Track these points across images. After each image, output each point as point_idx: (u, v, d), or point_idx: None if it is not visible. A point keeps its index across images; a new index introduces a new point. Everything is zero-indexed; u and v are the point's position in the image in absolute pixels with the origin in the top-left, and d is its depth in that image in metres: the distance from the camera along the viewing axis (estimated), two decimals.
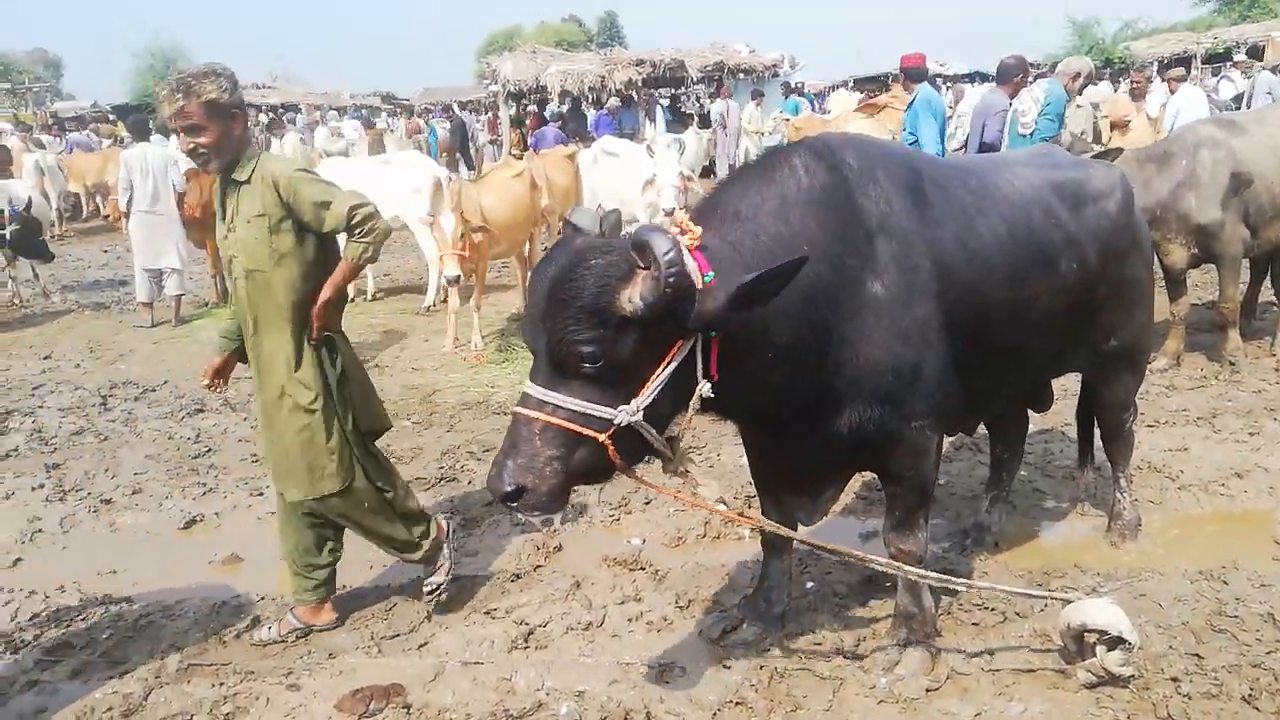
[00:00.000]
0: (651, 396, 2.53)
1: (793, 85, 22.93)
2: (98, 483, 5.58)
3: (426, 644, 3.71)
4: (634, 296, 2.41)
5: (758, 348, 2.67)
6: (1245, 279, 7.19)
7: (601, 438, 2.51)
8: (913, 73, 8.06)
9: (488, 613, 3.90)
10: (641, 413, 2.52)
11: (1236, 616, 3.59)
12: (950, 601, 3.78)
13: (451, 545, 4.00)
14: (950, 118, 9.91)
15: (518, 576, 4.22)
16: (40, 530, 4.99)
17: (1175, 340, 6.59)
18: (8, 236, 9.67)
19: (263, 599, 4.15)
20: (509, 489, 2.51)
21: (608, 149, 10.72)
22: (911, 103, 7.81)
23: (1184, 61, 27.74)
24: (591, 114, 20.40)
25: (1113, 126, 8.66)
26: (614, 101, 20.69)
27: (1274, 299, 7.16)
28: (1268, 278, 7.30)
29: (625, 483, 4.83)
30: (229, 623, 3.97)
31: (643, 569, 4.22)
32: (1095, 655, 3.13)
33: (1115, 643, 3.07)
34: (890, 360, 2.88)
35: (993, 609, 3.71)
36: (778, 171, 2.90)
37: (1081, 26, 37.11)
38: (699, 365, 2.59)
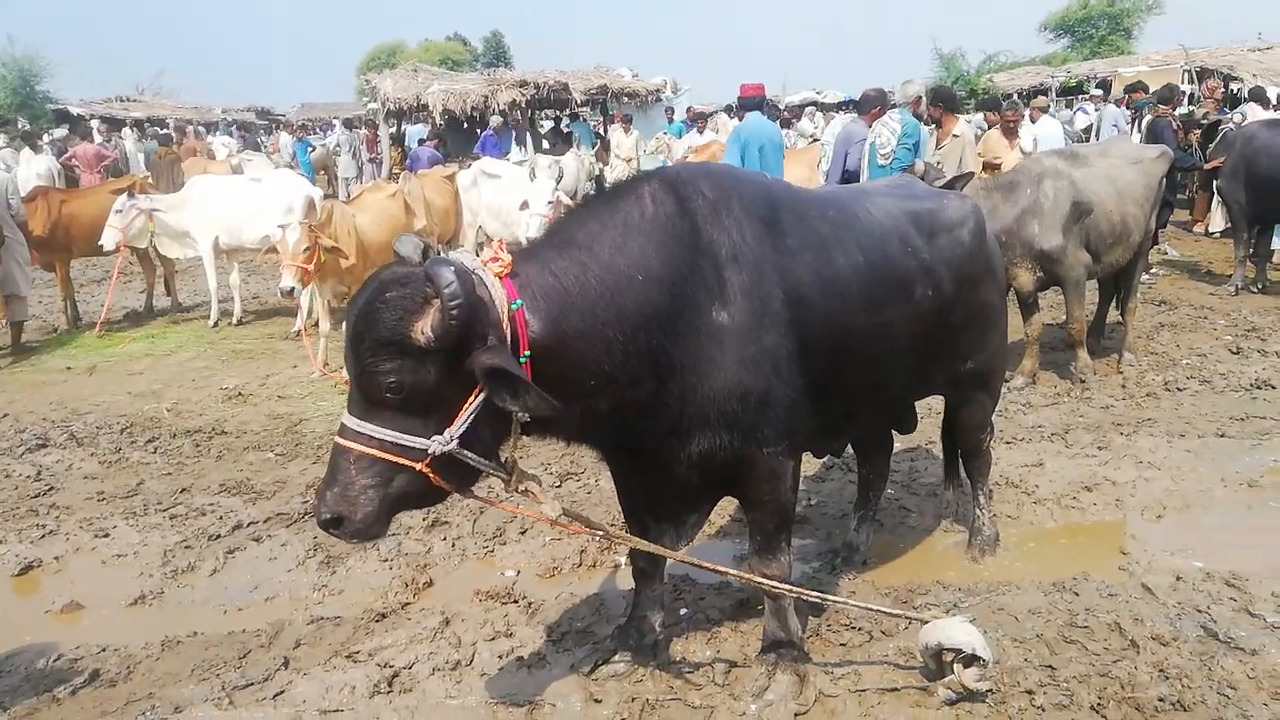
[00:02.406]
0: (464, 425, 2.56)
1: (677, 109, 23.24)
2: None
3: (282, 693, 3.51)
4: (425, 328, 2.45)
5: (573, 376, 2.69)
6: (1096, 300, 7.63)
7: (418, 466, 2.56)
8: (743, 102, 8.38)
9: (349, 655, 3.73)
10: (457, 440, 2.55)
11: (1086, 627, 3.74)
12: (818, 622, 3.82)
13: None
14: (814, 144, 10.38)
15: (384, 615, 4.05)
16: None
17: (1030, 359, 6.91)
18: None
19: (104, 650, 3.86)
20: (326, 517, 2.58)
21: (488, 170, 10.61)
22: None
23: (1041, 93, 29.42)
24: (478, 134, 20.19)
25: (986, 168, 8.88)
26: (496, 119, 20.52)
27: (1120, 318, 7.59)
28: (1115, 299, 7.73)
29: (499, 512, 4.77)
30: (64, 677, 3.67)
31: (515, 602, 4.12)
32: (953, 672, 3.21)
33: (971, 660, 3.15)
34: (738, 388, 2.91)
35: (859, 629, 3.77)
36: (624, 200, 2.92)
37: (947, 59, 38.93)
38: None
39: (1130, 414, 6.31)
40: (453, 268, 2.45)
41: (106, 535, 4.98)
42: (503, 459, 2.75)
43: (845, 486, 5.31)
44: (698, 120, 16.95)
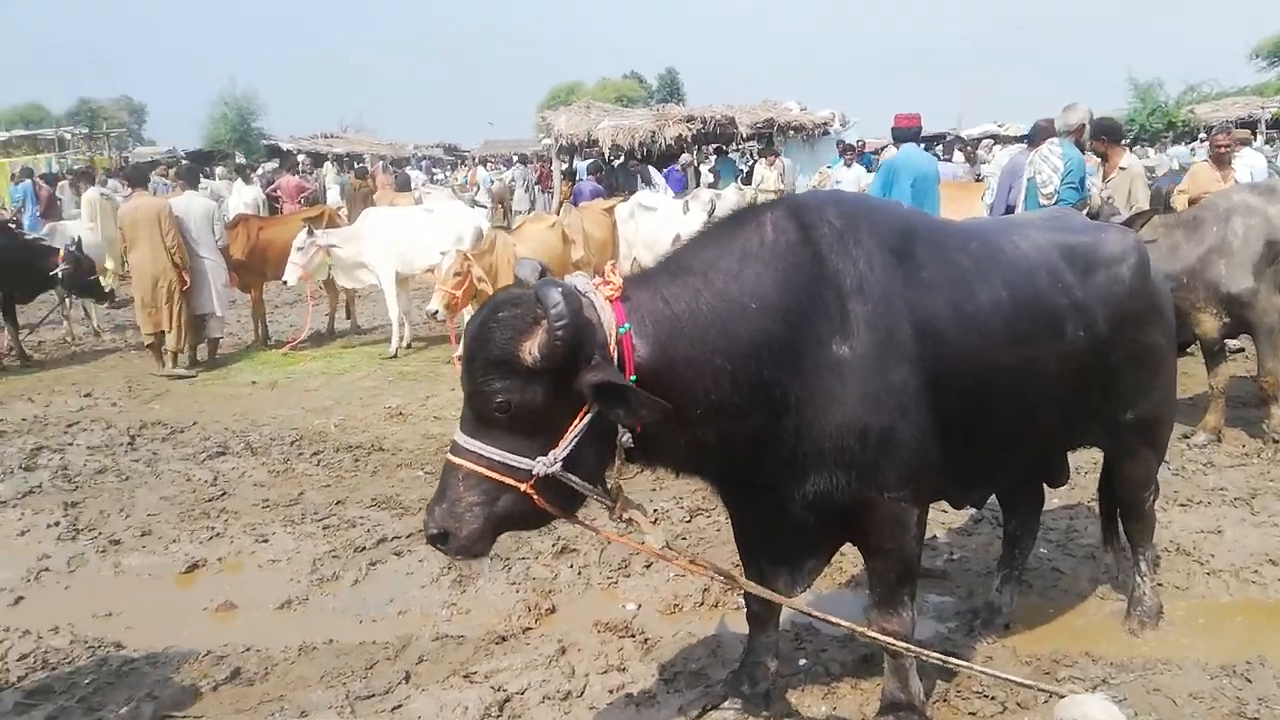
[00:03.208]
0: (569, 448, 2.57)
1: (849, 143, 22.93)
2: (110, 523, 5.63)
3: (400, 707, 3.62)
4: (533, 349, 2.47)
5: (679, 404, 2.61)
6: None
7: (523, 487, 2.57)
8: (897, 133, 8.06)
9: (467, 676, 3.80)
10: (560, 463, 2.55)
11: (1257, 718, 3.34)
12: (947, 687, 3.59)
13: None
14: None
15: (504, 639, 4.11)
16: (47, 569, 5.04)
17: (1215, 414, 6.31)
18: (59, 275, 9.98)
19: (248, 650, 4.10)
20: (433, 531, 2.64)
21: (645, 203, 10.77)
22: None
23: (1249, 126, 27.16)
24: (649, 169, 20.55)
25: (1192, 203, 7.98)
26: (686, 157, 20.90)
27: None
28: None
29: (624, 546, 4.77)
30: (210, 673, 3.92)
31: (633, 636, 4.09)
32: None
33: None
34: (857, 425, 2.78)
35: (992, 698, 3.51)
36: (745, 227, 2.87)
37: (1143, 89, 36.58)
38: None
39: None
40: (560, 289, 2.47)
41: (265, 540, 5.32)
42: (608, 486, 2.73)
43: (992, 542, 4.98)
44: (846, 153, 16.38)
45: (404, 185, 19.70)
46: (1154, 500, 4.02)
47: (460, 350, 2.75)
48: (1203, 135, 22.53)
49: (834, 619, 3.08)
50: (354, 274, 9.98)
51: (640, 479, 5.77)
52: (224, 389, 8.91)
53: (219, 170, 23.92)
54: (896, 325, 2.84)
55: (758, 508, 3.09)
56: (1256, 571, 4.52)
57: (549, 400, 2.54)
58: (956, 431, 3.03)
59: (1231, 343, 7.49)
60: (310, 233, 9.50)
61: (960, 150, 20.70)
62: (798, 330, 2.76)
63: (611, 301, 2.65)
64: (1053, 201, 6.39)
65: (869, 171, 14.71)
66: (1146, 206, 6.40)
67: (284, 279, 9.73)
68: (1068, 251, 3.37)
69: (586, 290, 2.65)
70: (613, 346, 2.58)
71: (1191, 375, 7.40)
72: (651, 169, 19.51)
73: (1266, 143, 22.19)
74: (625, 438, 2.62)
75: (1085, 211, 5.76)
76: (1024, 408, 3.25)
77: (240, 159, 34.26)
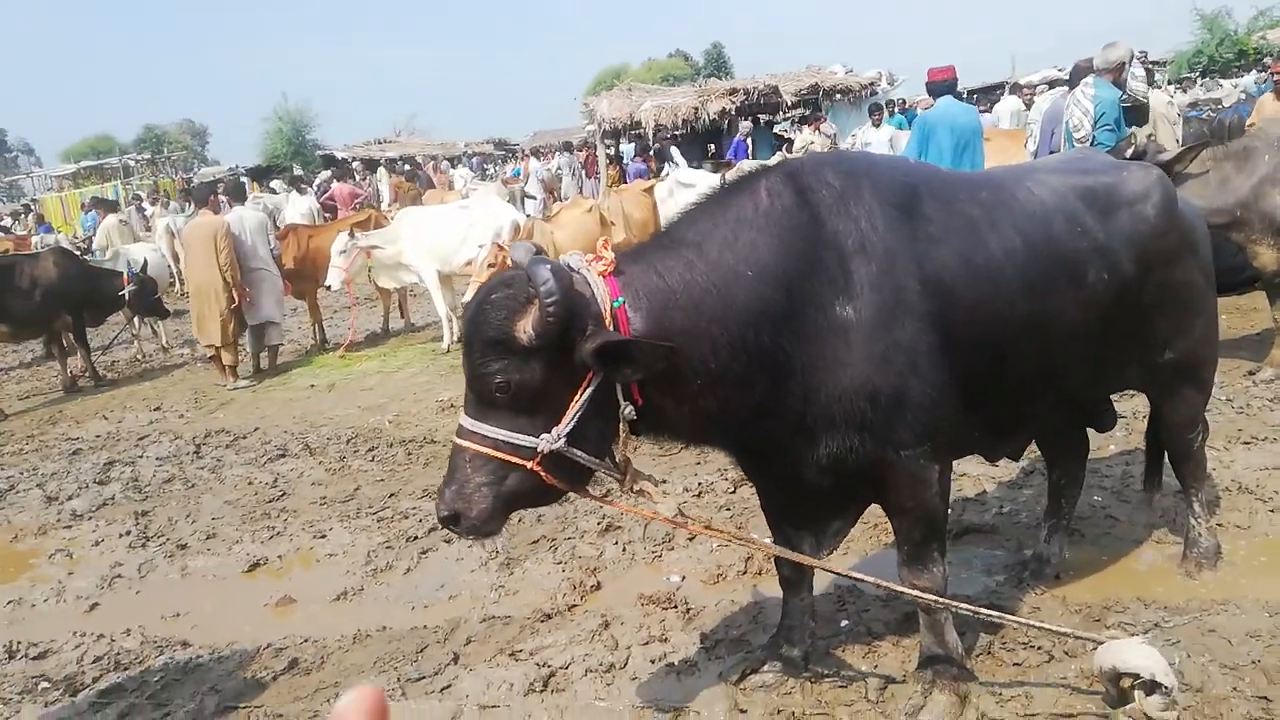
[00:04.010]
0: (572, 423, 2.59)
1: (883, 104, 22.46)
2: (178, 528, 5.86)
3: (449, 686, 3.71)
4: (527, 327, 2.49)
5: (680, 374, 2.61)
6: None
7: (529, 465, 2.60)
8: (931, 87, 7.78)
9: (513, 654, 3.87)
10: (564, 439, 2.57)
11: None
12: (991, 639, 3.53)
13: None
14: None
15: (549, 616, 4.18)
16: (120, 576, 5.27)
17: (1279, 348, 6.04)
18: (126, 297, 10.38)
19: (305, 641, 4.24)
20: (444, 513, 2.68)
21: (683, 180, 10.74)
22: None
23: None
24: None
25: None
26: (745, 125, 20.73)
27: None
28: None
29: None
30: (269, 665, 4.07)
31: (675, 607, 4.11)
32: (1135, 700, 2.85)
33: (1153, 686, 2.78)
34: (866, 387, 2.73)
35: (1038, 648, 3.44)
36: (739, 195, 2.83)
37: (1209, 19, 34.97)
38: (618, 390, 2.60)
39: None
40: (549, 266, 2.48)
41: (323, 536, 5.48)
42: (616, 460, 2.75)
43: (1043, 495, 4.84)
44: (874, 113, 15.89)
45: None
46: (1203, 440, 3.88)
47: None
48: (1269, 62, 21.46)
49: (858, 575, 3.06)
50: (395, 274, 10.15)
51: (685, 455, 5.81)
52: (284, 394, 9.18)
53: (275, 184, 24.52)
54: (903, 282, 2.78)
55: (777, 473, 3.07)
56: None
57: (548, 377, 2.56)
58: (976, 384, 2.97)
59: None
60: (351, 235, 9.68)
61: (1020, 98, 20.11)
62: (798, 295, 2.72)
63: (605, 276, 2.65)
64: (1088, 145, 6.16)
65: (903, 130, 14.40)
66: (1171, 146, 6.10)
67: (327, 283, 9.91)
68: (1087, 193, 3.25)
69: (579, 266, 2.66)
70: (608, 320, 2.59)
71: (1260, 310, 7.11)
72: (674, 148, 19.42)
73: None
74: (628, 409, 2.62)
75: (1130, 152, 5.57)
76: (1048, 356, 3.16)
77: (297, 170, 35.08)
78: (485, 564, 4.82)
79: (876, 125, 14.86)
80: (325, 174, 30.60)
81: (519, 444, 2.60)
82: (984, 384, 3.02)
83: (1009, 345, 3.03)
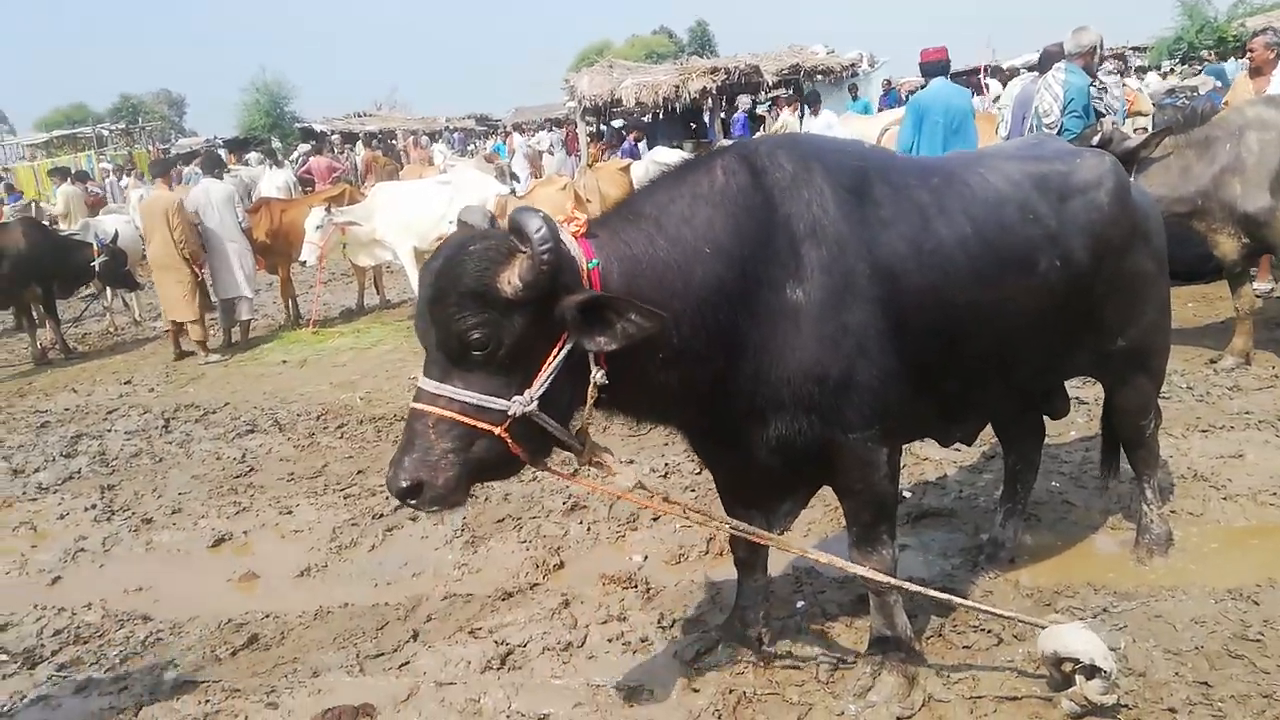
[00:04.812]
0: (544, 386, 2.51)
1: (874, 83, 22.41)
2: (144, 503, 5.84)
3: (407, 663, 3.73)
4: (513, 278, 2.41)
5: (647, 346, 2.56)
6: None
7: (497, 430, 2.49)
8: (924, 68, 7.79)
9: (472, 632, 3.90)
10: (536, 403, 2.50)
11: (1260, 640, 3.30)
12: (942, 622, 3.59)
13: None
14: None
15: (510, 594, 4.20)
16: (83, 549, 5.25)
17: (1242, 337, 6.12)
18: (97, 268, 10.27)
19: (266, 617, 4.25)
20: (405, 484, 2.50)
21: (660, 160, 10.68)
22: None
23: None
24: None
25: None
26: (745, 100, 20.59)
27: None
28: None
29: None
30: (229, 640, 4.07)
31: (636, 587, 4.15)
32: (1075, 684, 2.91)
33: (1093, 671, 2.84)
34: (815, 369, 2.76)
35: (987, 630, 3.51)
36: (694, 173, 2.84)
37: (1190, 6, 35.14)
38: (590, 355, 2.54)
39: None
40: (540, 214, 2.43)
41: (289, 513, 5.48)
42: (574, 430, 2.69)
43: (1002, 479, 4.93)
44: (812, 103, 15.50)
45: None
46: (1155, 428, 3.94)
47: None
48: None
49: (811, 552, 3.10)
50: (370, 251, 10.07)
51: (654, 435, 5.83)
52: (255, 369, 9.13)
53: (252, 156, 24.24)
54: (853, 266, 2.80)
55: (728, 453, 3.09)
56: (1275, 494, 4.41)
57: (526, 335, 2.47)
58: (926, 369, 3.00)
59: (1261, 286, 7.27)
60: (327, 210, 9.60)
61: (1000, 81, 20.16)
62: (752, 275, 2.74)
63: (577, 238, 2.61)
64: (1056, 131, 6.19)
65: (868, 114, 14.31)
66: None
67: (301, 258, 9.83)
68: (1040, 180, 3.28)
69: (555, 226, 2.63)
70: (585, 282, 2.54)
71: (1224, 298, 7.19)
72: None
73: None
74: (599, 374, 2.57)
75: (1096, 138, 5.61)
76: (999, 342, 3.19)
77: (275, 143, 34.71)
78: (449, 542, 4.84)
79: (815, 114, 14.63)
80: (304, 147, 30.37)
81: (489, 407, 2.49)
82: (934, 369, 3.05)
83: (959, 331, 3.06)
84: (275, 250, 10.48)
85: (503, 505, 5.20)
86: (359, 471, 6.00)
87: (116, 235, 10.73)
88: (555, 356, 2.52)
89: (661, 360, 2.67)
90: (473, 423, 2.50)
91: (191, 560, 5.05)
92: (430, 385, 2.53)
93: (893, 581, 3.03)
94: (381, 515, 5.27)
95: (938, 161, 3.50)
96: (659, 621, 3.83)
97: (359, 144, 31.26)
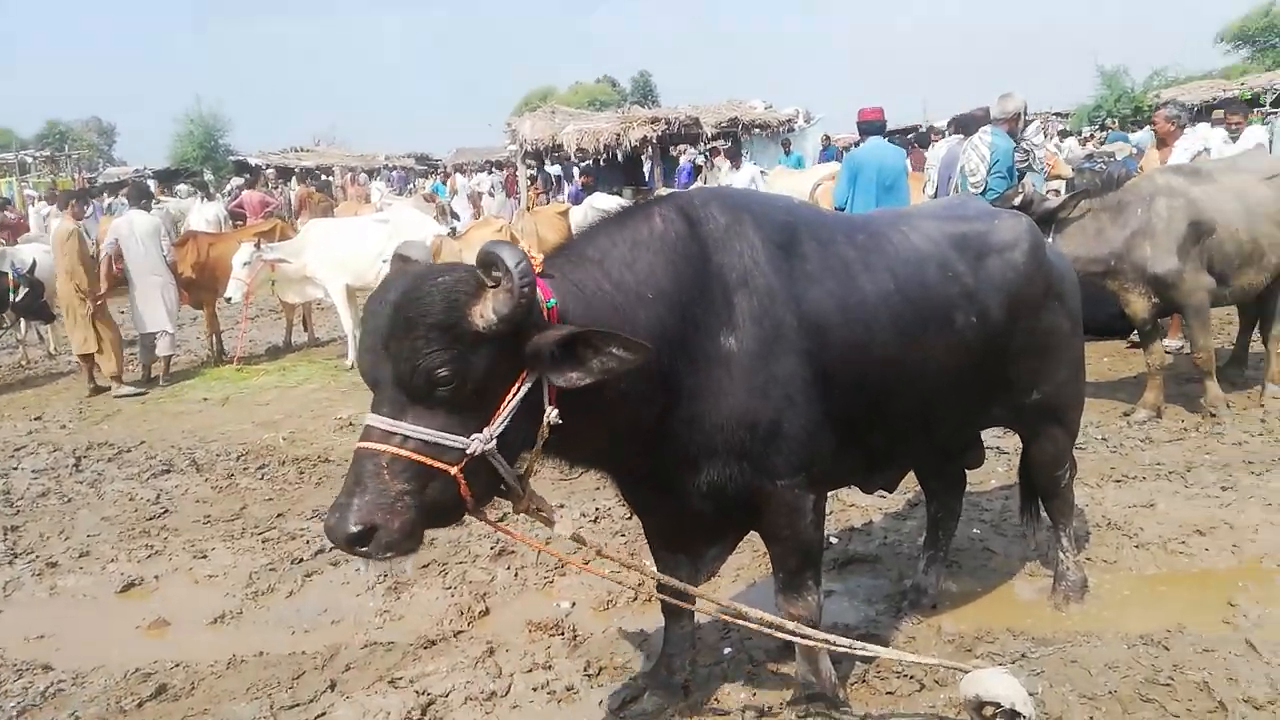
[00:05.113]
0: (504, 424, 2.43)
1: (811, 138, 22.99)
2: (49, 545, 5.59)
3: (324, 714, 3.61)
4: (485, 312, 2.34)
5: (598, 386, 2.52)
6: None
7: (453, 470, 2.38)
8: (862, 126, 8.09)
9: (392, 681, 3.79)
10: (495, 441, 2.42)
11: (1169, 685, 3.38)
12: (866, 669, 3.60)
13: None
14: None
15: (433, 642, 4.11)
16: None
17: (1153, 391, 6.37)
18: (16, 299, 9.90)
19: (176, 666, 4.08)
20: (355, 529, 2.31)
21: (598, 205, 10.76)
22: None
23: (1216, 108, 27.38)
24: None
25: None
26: (692, 151, 20.90)
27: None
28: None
29: (562, 544, 4.79)
30: (136, 690, 3.89)
31: (563, 634, 4.10)
32: None
33: (1012, 715, 2.88)
34: (747, 416, 2.79)
35: (910, 677, 3.53)
36: (634, 219, 2.88)
37: (1110, 75, 36.98)
38: (544, 392, 2.49)
39: (1266, 451, 5.70)
40: (517, 248, 2.40)
41: (204, 557, 5.29)
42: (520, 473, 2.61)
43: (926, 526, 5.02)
44: (732, 157, 16.09)
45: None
46: (1070, 479, 4.05)
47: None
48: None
49: (726, 613, 3.08)
50: (300, 288, 9.89)
51: (586, 479, 5.80)
52: (175, 407, 8.86)
53: (181, 188, 23.78)
54: (781, 318, 2.85)
55: (657, 499, 3.10)
56: (1184, 542, 4.57)
57: (489, 371, 2.40)
58: (850, 419, 3.06)
59: (1171, 343, 7.60)
60: (257, 246, 9.43)
61: (934, 140, 20.90)
62: (690, 320, 2.76)
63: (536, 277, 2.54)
64: (981, 190, 6.44)
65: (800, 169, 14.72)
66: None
67: (227, 295, 9.60)
68: (959, 240, 3.40)
69: None
70: (545, 318, 2.50)
71: (1137, 354, 7.48)
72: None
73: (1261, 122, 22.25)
74: (553, 414, 2.50)
75: (1018, 199, 5.85)
76: (918, 394, 3.27)
77: (208, 175, 34.07)
78: (371, 588, 4.72)
79: (736, 167, 14.96)
80: (237, 180, 29.88)
81: (447, 445, 2.37)
82: (857, 418, 3.11)
83: (881, 382, 3.13)
84: (201, 285, 10.23)
85: (428, 550, 5.09)
86: (279, 515, 5.84)
87: (34, 265, 10.36)
88: (515, 394, 2.45)
89: (609, 402, 2.64)
90: (430, 462, 2.37)
91: (98, 606, 4.83)
92: (383, 422, 2.38)
93: (816, 639, 3.03)
94: (301, 560, 5.12)
95: (863, 219, 3.60)
96: (585, 669, 3.77)
97: (294, 179, 30.86)
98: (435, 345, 2.32)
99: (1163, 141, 8.01)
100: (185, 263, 9.96)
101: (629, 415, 2.73)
